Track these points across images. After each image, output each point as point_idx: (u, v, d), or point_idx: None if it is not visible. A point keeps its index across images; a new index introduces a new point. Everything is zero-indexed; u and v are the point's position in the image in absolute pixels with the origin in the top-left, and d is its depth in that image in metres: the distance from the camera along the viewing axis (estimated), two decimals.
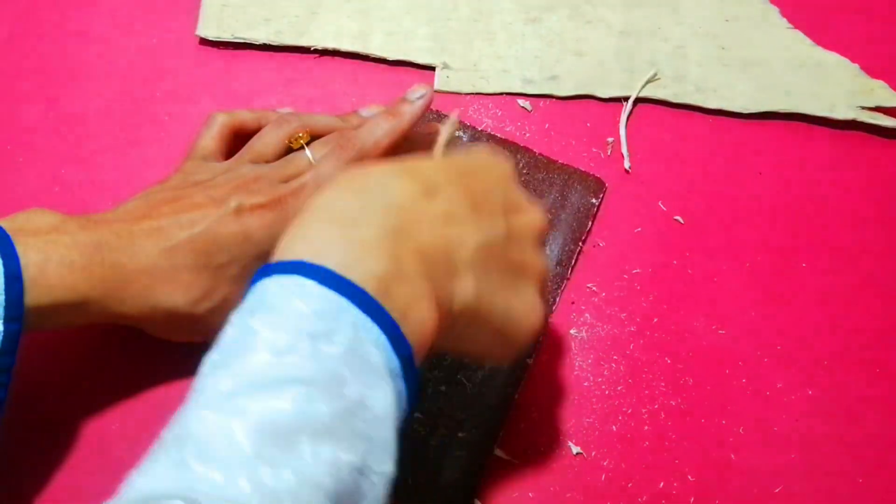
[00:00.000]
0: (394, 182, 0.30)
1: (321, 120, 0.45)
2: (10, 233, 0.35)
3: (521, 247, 0.34)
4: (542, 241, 0.36)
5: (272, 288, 0.27)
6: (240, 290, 0.34)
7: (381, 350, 0.27)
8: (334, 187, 0.31)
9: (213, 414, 0.24)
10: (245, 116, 0.45)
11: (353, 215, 0.29)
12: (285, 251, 0.28)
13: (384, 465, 0.26)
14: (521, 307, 0.34)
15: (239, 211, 0.39)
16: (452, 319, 0.31)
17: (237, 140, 0.45)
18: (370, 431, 0.26)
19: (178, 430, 0.24)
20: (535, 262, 0.35)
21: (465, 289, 0.31)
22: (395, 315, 0.27)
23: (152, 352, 0.42)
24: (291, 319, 0.26)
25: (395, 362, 0.27)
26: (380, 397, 0.26)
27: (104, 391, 0.43)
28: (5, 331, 0.33)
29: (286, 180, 0.42)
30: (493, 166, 0.36)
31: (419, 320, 0.28)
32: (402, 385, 0.27)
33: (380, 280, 0.27)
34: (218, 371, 0.26)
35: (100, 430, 0.42)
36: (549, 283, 0.45)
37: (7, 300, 0.33)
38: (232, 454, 0.23)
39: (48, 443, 0.41)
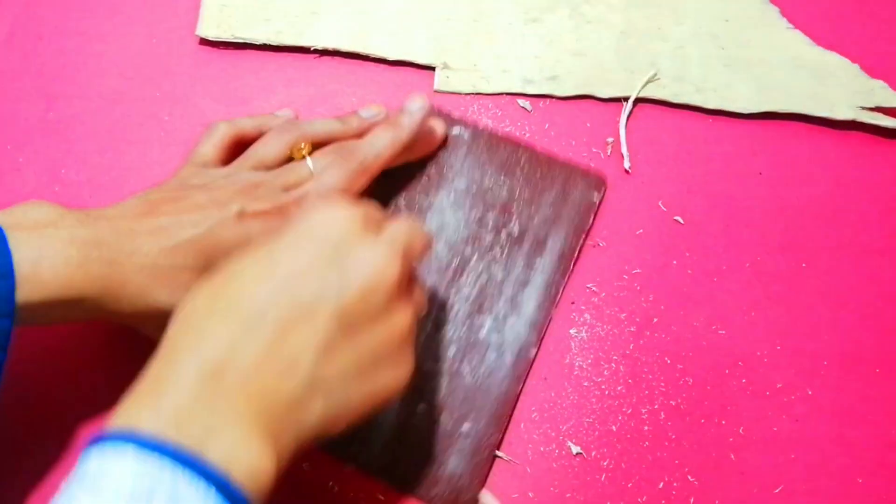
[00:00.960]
0: (213, 329, 0.30)
1: (322, 127, 0.45)
2: (5, 227, 0.34)
3: (372, 317, 0.32)
4: (400, 282, 0.33)
5: (94, 457, 0.27)
6: None
7: (203, 498, 0.27)
8: (164, 343, 0.31)
9: None
10: (246, 125, 0.45)
11: (170, 382, 0.29)
12: (115, 416, 0.28)
13: None
14: (390, 374, 0.33)
15: (241, 215, 0.39)
16: (307, 439, 0.31)
17: (237, 148, 0.45)
18: None
19: None
20: (394, 321, 0.33)
21: (313, 413, 0.31)
22: (220, 465, 0.27)
23: (146, 352, 0.42)
24: (110, 484, 0.26)
25: None
26: None
27: (96, 390, 0.43)
28: None
29: (287, 188, 0.42)
30: (325, 239, 0.33)
31: (251, 467, 0.28)
32: None
33: (198, 438, 0.27)
34: None
35: (91, 429, 0.42)
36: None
37: None
38: None
39: (39, 442, 0.41)
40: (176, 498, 0.26)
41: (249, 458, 0.28)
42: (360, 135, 0.45)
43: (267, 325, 0.30)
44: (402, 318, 0.34)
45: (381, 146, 0.44)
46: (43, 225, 0.35)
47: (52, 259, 0.34)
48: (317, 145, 0.44)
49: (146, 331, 0.40)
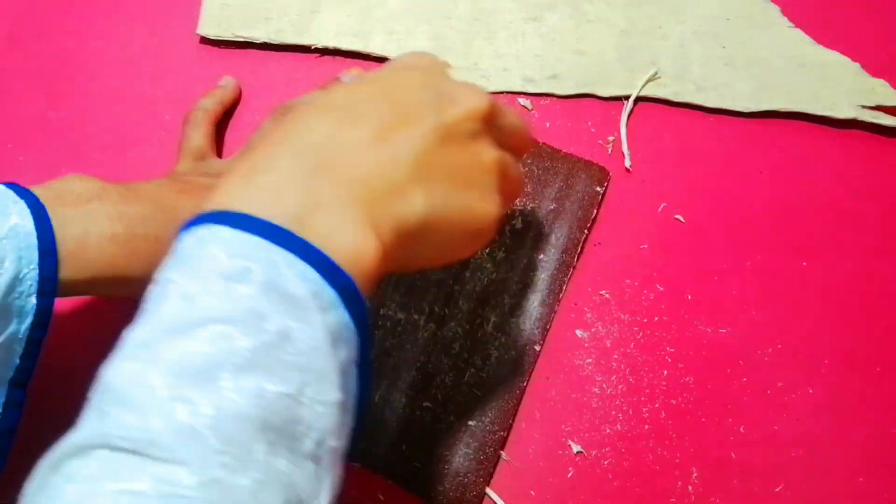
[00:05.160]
0: (308, 121, 0.29)
1: None
2: (46, 203, 0.34)
3: (463, 139, 0.32)
4: (487, 123, 0.33)
5: (187, 240, 0.26)
6: None
7: (308, 282, 0.25)
8: (256, 141, 0.30)
9: (130, 363, 0.24)
10: (212, 106, 0.47)
11: (265, 165, 0.28)
12: (201, 207, 0.27)
13: (327, 394, 0.25)
14: (477, 199, 0.32)
15: None
16: (409, 237, 0.30)
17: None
18: (302, 362, 0.25)
19: (100, 385, 0.24)
20: (480, 150, 0.33)
21: (413, 205, 0.29)
22: (319, 245, 0.26)
23: None
24: (204, 264, 0.25)
25: (328, 292, 0.26)
26: (307, 329, 0.25)
27: None
28: (38, 305, 0.33)
29: None
30: (416, 67, 0.34)
31: (352, 247, 0.27)
32: (343, 314, 0.26)
33: (294, 215, 0.26)
34: (136, 323, 0.25)
35: None
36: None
37: (41, 275, 0.33)
38: (146, 398, 0.23)
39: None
40: (274, 276, 0.25)
41: (352, 239, 0.27)
42: None
43: (368, 121, 0.30)
44: (490, 154, 0.33)
45: None
46: (86, 200, 0.35)
47: (97, 236, 0.34)
48: None
49: None
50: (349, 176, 0.28)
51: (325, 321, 0.25)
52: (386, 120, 0.30)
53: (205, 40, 0.52)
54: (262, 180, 0.27)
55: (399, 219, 0.29)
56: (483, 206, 0.33)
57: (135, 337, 0.25)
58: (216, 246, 0.25)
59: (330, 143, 0.29)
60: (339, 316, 0.26)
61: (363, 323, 0.27)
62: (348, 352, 0.27)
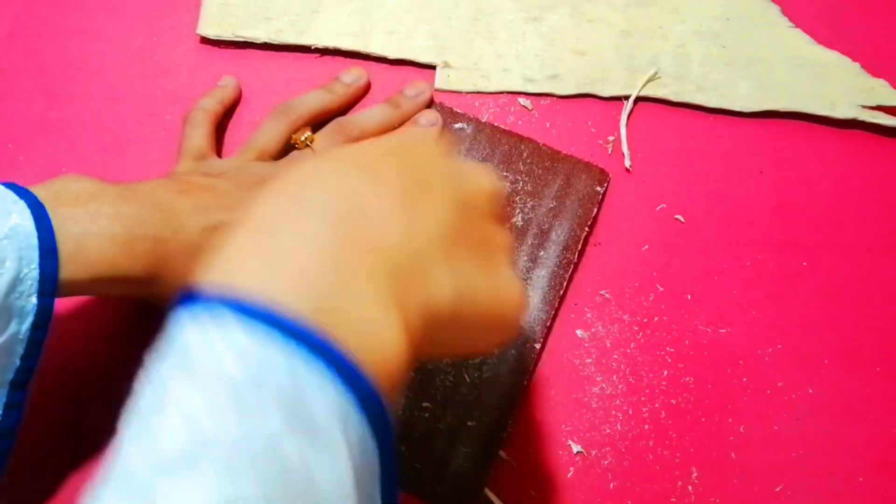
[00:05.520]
0: (325, 176, 0.25)
1: (311, 102, 0.47)
2: (46, 202, 0.34)
3: (481, 218, 0.29)
4: (498, 206, 0.31)
5: (189, 328, 0.21)
6: None
7: (334, 404, 0.21)
8: (269, 193, 0.25)
9: (121, 499, 0.19)
10: (212, 106, 0.47)
11: (284, 231, 0.23)
12: (208, 273, 0.22)
13: None
14: (504, 284, 0.29)
15: None
16: (434, 325, 0.25)
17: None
18: (322, 502, 0.20)
19: None
20: (497, 231, 0.30)
21: (442, 286, 0.25)
22: (345, 344, 0.21)
23: None
24: (210, 370, 0.20)
25: (356, 418, 0.21)
26: (330, 466, 0.20)
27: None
28: (39, 305, 0.33)
29: None
30: (422, 142, 0.33)
31: (380, 345, 0.22)
32: (365, 430, 0.21)
33: (321, 305, 0.21)
34: (129, 439, 0.20)
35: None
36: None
37: (41, 275, 0.32)
38: None
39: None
40: (295, 392, 0.20)
41: (382, 338, 0.22)
42: (347, 101, 0.48)
43: (390, 182, 0.25)
44: (504, 235, 0.31)
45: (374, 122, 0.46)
46: (85, 200, 0.35)
47: (96, 237, 0.34)
48: (310, 121, 0.46)
49: None
50: (378, 249, 0.23)
51: (351, 455, 0.21)
52: (407, 184, 0.26)
53: (205, 40, 0.52)
54: (282, 251, 0.22)
55: (427, 303, 0.25)
56: (510, 290, 0.30)
57: (127, 466, 0.20)
58: (224, 344, 0.20)
59: (355, 205, 0.24)
60: (365, 446, 0.22)
61: (388, 432, 0.22)
62: (372, 484, 0.22)
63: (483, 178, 0.30)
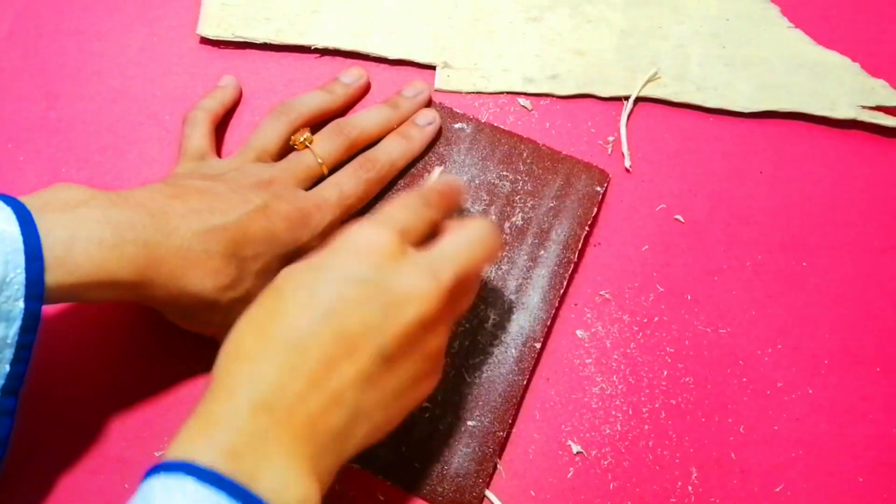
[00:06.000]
0: (259, 368, 0.31)
1: (311, 102, 0.47)
2: (34, 209, 0.34)
3: (409, 348, 0.33)
4: (435, 319, 0.34)
5: (156, 486, 0.27)
6: (262, 285, 0.34)
7: None
8: (222, 359, 0.32)
9: None
10: (213, 107, 0.48)
11: (225, 420, 0.29)
12: (172, 447, 0.29)
13: None
14: (422, 391, 0.35)
15: (265, 210, 0.40)
16: (354, 452, 0.33)
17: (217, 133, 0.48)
18: None
19: None
20: (427, 344, 0.34)
21: (356, 436, 0.32)
22: (268, 499, 0.28)
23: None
24: None
25: None
26: None
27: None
28: (26, 309, 0.33)
29: (298, 182, 0.43)
30: (362, 258, 0.33)
31: (295, 497, 0.29)
32: None
33: (250, 473, 0.28)
34: None
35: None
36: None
37: (28, 279, 0.32)
38: None
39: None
40: None
41: (296, 491, 0.29)
42: (347, 102, 0.49)
43: (311, 362, 0.31)
44: (438, 340, 0.34)
45: (396, 155, 0.46)
46: (73, 205, 0.35)
47: (84, 241, 0.34)
48: (309, 122, 0.47)
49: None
50: (296, 426, 0.30)
51: None
52: (329, 353, 0.31)
53: (205, 40, 0.52)
54: (222, 436, 0.29)
55: (341, 454, 0.32)
56: (429, 385, 0.35)
57: None
58: (182, 497, 0.27)
59: (280, 392, 0.30)
60: None
61: None
62: None
63: (418, 301, 0.33)
